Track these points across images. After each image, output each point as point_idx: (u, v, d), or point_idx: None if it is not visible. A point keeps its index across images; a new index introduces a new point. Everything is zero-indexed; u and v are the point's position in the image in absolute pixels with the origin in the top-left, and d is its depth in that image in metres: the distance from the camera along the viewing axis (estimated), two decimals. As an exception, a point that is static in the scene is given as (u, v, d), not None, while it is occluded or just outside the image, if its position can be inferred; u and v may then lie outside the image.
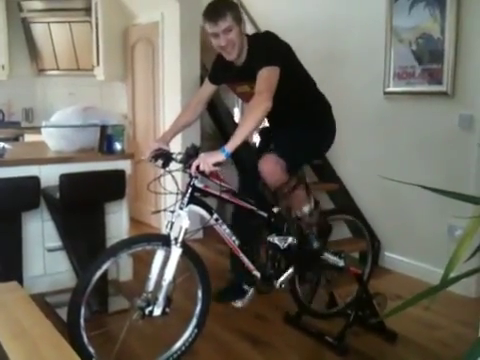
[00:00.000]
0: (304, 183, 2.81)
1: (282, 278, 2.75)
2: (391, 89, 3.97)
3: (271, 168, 2.62)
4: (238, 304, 2.73)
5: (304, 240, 2.82)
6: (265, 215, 2.73)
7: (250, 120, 2.35)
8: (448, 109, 3.61)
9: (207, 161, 2.25)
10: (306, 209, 2.79)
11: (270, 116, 2.81)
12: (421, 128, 3.80)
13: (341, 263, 2.92)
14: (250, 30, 4.86)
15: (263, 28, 4.58)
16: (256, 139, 3.05)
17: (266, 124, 2.93)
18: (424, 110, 3.78)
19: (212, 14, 2.48)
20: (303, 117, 2.75)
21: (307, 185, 2.82)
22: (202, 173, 2.32)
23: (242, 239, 2.61)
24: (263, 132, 3.01)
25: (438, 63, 3.61)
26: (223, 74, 2.71)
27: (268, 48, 2.55)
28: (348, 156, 4.32)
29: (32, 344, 1.34)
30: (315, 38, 4.53)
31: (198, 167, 2.27)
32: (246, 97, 2.69)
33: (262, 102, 2.34)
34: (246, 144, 2.46)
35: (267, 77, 2.41)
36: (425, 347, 2.87)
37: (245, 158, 2.68)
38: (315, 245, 2.83)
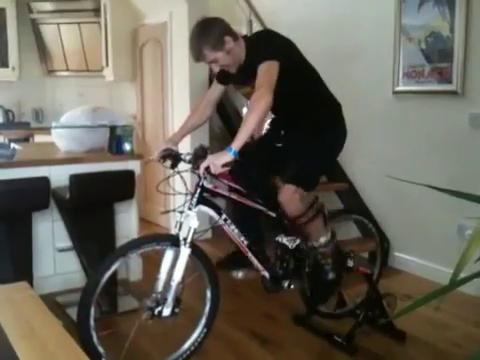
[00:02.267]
0: (322, 214, 2.80)
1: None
2: (400, 88, 3.95)
3: (290, 198, 2.63)
4: (239, 275, 2.78)
5: (319, 269, 2.82)
6: (274, 215, 2.73)
7: (252, 116, 2.33)
8: (458, 108, 3.58)
9: (216, 163, 2.24)
10: (323, 240, 2.77)
11: (278, 114, 2.81)
12: (431, 127, 3.78)
13: (350, 263, 2.92)
14: (257, 28, 4.87)
15: (270, 26, 4.57)
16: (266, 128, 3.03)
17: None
18: (434, 109, 3.76)
19: (192, 54, 2.50)
20: (312, 118, 2.72)
21: (325, 216, 2.81)
22: (211, 174, 2.32)
23: (248, 238, 2.62)
24: (273, 122, 2.99)
25: (447, 62, 3.59)
26: (229, 75, 2.70)
27: (266, 44, 2.54)
28: (357, 156, 4.30)
29: (41, 344, 1.35)
30: (323, 36, 4.52)
31: (207, 169, 2.27)
32: (250, 97, 2.69)
33: (262, 96, 2.33)
34: (251, 139, 2.46)
35: (266, 72, 2.39)
36: (435, 347, 2.85)
37: (251, 149, 2.66)
38: (331, 276, 2.83)
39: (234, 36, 2.52)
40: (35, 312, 1.56)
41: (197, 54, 2.47)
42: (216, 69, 2.54)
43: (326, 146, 2.75)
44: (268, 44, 2.54)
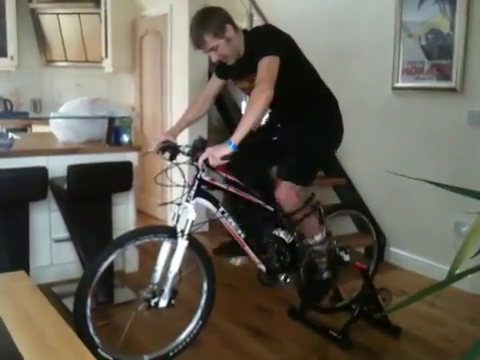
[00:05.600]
0: (318, 212, 2.82)
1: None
2: (400, 84, 3.95)
3: (287, 194, 2.66)
4: (237, 262, 2.80)
5: (314, 269, 2.83)
6: (271, 209, 2.73)
7: (252, 111, 2.34)
8: (457, 105, 3.59)
9: (215, 155, 2.24)
10: (318, 238, 2.79)
11: (275, 110, 2.81)
12: (429, 124, 3.79)
13: (346, 258, 2.93)
14: (257, 22, 4.86)
15: (271, 21, 4.56)
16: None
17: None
18: (433, 106, 3.77)
19: (192, 41, 2.49)
20: (309, 114, 2.72)
21: (321, 214, 2.83)
22: (209, 166, 2.32)
23: (247, 233, 2.63)
24: (270, 116, 2.98)
25: (447, 59, 3.59)
26: (227, 69, 2.70)
27: (267, 39, 2.54)
28: (355, 151, 4.30)
29: (39, 333, 1.35)
30: (323, 32, 4.51)
31: (206, 161, 2.28)
32: (247, 91, 2.69)
33: (263, 91, 2.33)
34: (250, 133, 2.45)
35: (267, 67, 2.39)
36: (429, 343, 2.87)
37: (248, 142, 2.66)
38: (325, 275, 2.84)
39: (235, 26, 2.52)
40: (32, 301, 1.57)
41: (197, 41, 2.46)
42: (214, 58, 2.53)
43: (322, 142, 2.75)
44: (269, 39, 2.53)
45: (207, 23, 2.44)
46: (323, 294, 2.94)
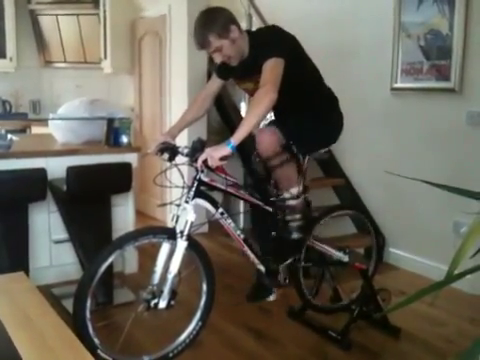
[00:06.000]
0: (297, 162, 2.74)
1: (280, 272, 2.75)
2: (398, 85, 3.95)
3: (267, 137, 2.61)
4: (271, 298, 2.76)
5: (284, 227, 2.76)
6: (271, 210, 2.73)
7: (255, 112, 2.33)
8: (456, 106, 3.59)
9: (214, 156, 2.24)
10: (294, 190, 2.72)
11: (276, 108, 2.80)
12: (428, 124, 3.79)
13: (346, 258, 2.93)
14: (256, 23, 4.86)
15: (270, 21, 4.56)
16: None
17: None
18: (431, 106, 3.77)
19: (196, 41, 2.48)
20: (310, 109, 2.72)
21: (300, 165, 2.75)
22: (208, 167, 2.32)
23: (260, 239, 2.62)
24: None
25: (446, 59, 3.59)
26: (229, 70, 2.69)
27: (272, 41, 2.52)
28: (354, 151, 4.31)
29: (38, 334, 1.35)
30: (322, 32, 4.51)
31: (205, 161, 2.27)
32: (251, 92, 2.69)
33: (267, 94, 2.32)
34: (251, 136, 2.45)
35: (272, 69, 2.38)
36: (429, 343, 2.87)
37: (249, 150, 2.65)
38: (294, 235, 2.76)
39: (239, 27, 2.51)
40: (32, 302, 1.57)
41: (202, 41, 2.45)
42: (218, 59, 2.52)
43: (321, 124, 2.73)
44: (274, 40, 2.52)
45: (212, 23, 2.43)
46: (289, 254, 2.79)
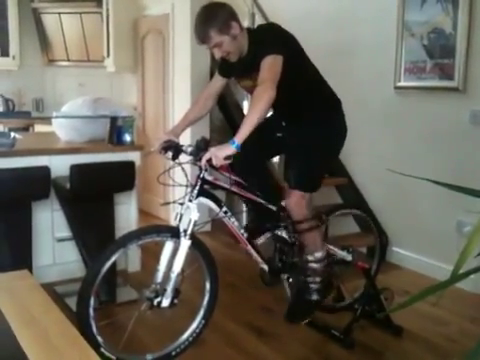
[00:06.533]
0: (324, 229, 2.81)
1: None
2: (402, 84, 3.94)
3: (296, 203, 2.66)
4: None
5: (305, 287, 2.80)
6: (274, 209, 2.73)
7: (256, 110, 2.32)
8: (459, 105, 3.59)
9: (218, 155, 2.24)
10: (318, 255, 2.75)
11: (278, 109, 2.80)
12: (431, 123, 3.79)
13: (349, 258, 2.93)
14: (259, 21, 4.85)
15: (273, 20, 4.55)
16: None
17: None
18: (435, 105, 3.76)
19: (197, 36, 2.48)
20: (313, 114, 2.71)
21: (326, 232, 2.83)
22: (212, 166, 2.32)
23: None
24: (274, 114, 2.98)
25: (449, 58, 3.59)
26: (230, 68, 2.69)
27: (271, 38, 2.52)
28: (357, 151, 4.30)
29: (43, 331, 1.36)
30: (325, 30, 4.51)
31: (209, 161, 2.27)
32: (250, 90, 2.69)
33: (265, 91, 2.31)
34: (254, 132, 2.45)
35: (270, 66, 2.38)
36: (432, 342, 2.87)
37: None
38: (314, 297, 2.80)
39: (240, 23, 2.51)
40: (36, 300, 1.57)
41: (203, 36, 2.45)
42: (218, 55, 2.51)
43: (327, 145, 2.74)
44: (273, 37, 2.52)
45: (213, 18, 2.42)
46: (306, 315, 2.85)
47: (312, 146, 2.70)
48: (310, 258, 2.75)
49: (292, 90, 2.55)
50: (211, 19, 2.43)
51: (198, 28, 2.46)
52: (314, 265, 2.76)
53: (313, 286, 2.79)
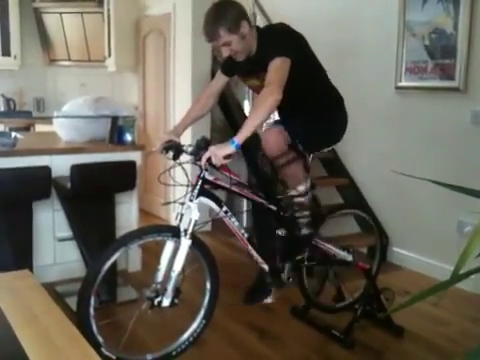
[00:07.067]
0: (304, 160, 2.74)
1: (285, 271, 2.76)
2: (403, 84, 3.95)
3: (274, 137, 2.61)
4: (269, 300, 2.77)
5: (294, 224, 2.77)
6: (275, 209, 2.73)
7: (259, 112, 2.32)
8: (460, 105, 3.59)
9: (218, 154, 2.24)
10: (301, 188, 2.72)
11: (283, 112, 2.80)
12: (432, 123, 3.78)
13: (349, 258, 2.93)
14: (260, 21, 4.85)
15: (274, 20, 4.56)
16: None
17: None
18: (436, 106, 3.76)
19: (205, 34, 2.46)
20: (315, 109, 2.71)
21: (306, 163, 2.75)
22: (212, 165, 2.32)
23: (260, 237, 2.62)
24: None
25: (451, 58, 3.59)
26: (234, 66, 2.69)
27: (280, 39, 2.51)
28: (358, 151, 4.30)
29: (44, 331, 1.36)
30: (326, 30, 4.51)
31: (209, 160, 2.27)
32: (256, 89, 2.68)
33: (271, 93, 2.31)
34: (255, 135, 2.45)
35: (278, 68, 2.37)
36: (432, 342, 2.86)
37: (254, 149, 2.65)
38: (304, 231, 2.77)
39: (249, 23, 2.50)
40: (37, 300, 1.57)
41: (212, 34, 2.43)
42: (225, 53, 2.50)
43: (325, 123, 2.73)
44: (282, 39, 2.50)
45: (223, 17, 2.41)
46: (301, 250, 2.81)
47: (311, 120, 2.70)
48: (294, 193, 2.73)
49: (298, 91, 2.54)
50: (221, 17, 2.41)
51: (207, 26, 2.44)
52: (299, 199, 2.74)
53: (302, 220, 2.77)
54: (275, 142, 2.62)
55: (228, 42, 2.44)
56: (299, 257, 2.81)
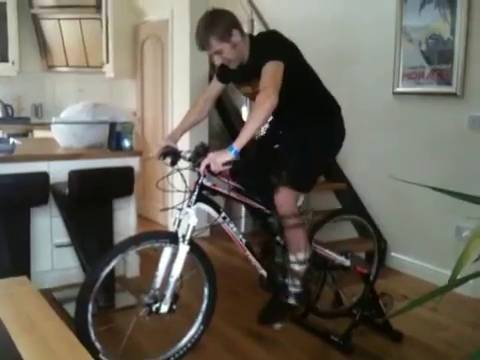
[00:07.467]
0: (308, 230, 2.77)
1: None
2: (400, 89, 3.96)
3: (285, 200, 2.61)
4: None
5: (282, 288, 2.73)
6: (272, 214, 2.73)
7: (256, 117, 2.33)
8: (457, 110, 3.60)
9: (217, 161, 2.24)
10: (301, 256, 2.69)
11: (277, 117, 2.80)
12: (430, 129, 3.79)
13: (347, 263, 2.93)
14: (258, 27, 4.87)
15: (271, 25, 4.58)
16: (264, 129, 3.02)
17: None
18: (433, 111, 3.77)
19: (197, 42, 2.48)
20: (312, 119, 2.71)
21: (311, 236, 2.79)
22: (211, 172, 2.32)
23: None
24: (271, 123, 2.95)
25: (447, 64, 3.60)
26: (228, 74, 2.70)
27: (272, 44, 2.53)
28: (356, 156, 4.31)
29: (42, 338, 1.36)
30: (324, 36, 4.53)
31: (208, 167, 2.28)
32: (250, 96, 2.69)
33: (268, 97, 2.31)
34: (252, 140, 2.45)
35: (271, 72, 2.37)
36: (431, 347, 2.86)
37: (250, 151, 2.63)
38: (291, 301, 2.71)
39: (241, 31, 2.51)
40: (35, 306, 1.57)
41: (203, 42, 2.45)
42: (218, 62, 2.52)
43: (324, 146, 2.73)
44: (273, 44, 2.52)
45: (214, 26, 2.43)
46: (279, 317, 2.83)
47: (309, 146, 2.69)
48: (292, 258, 2.70)
49: (292, 97, 2.55)
50: (212, 26, 2.43)
51: (199, 35, 2.47)
52: (296, 267, 2.70)
53: (292, 289, 2.72)
54: (285, 205, 2.61)
55: (219, 51, 2.46)
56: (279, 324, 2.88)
